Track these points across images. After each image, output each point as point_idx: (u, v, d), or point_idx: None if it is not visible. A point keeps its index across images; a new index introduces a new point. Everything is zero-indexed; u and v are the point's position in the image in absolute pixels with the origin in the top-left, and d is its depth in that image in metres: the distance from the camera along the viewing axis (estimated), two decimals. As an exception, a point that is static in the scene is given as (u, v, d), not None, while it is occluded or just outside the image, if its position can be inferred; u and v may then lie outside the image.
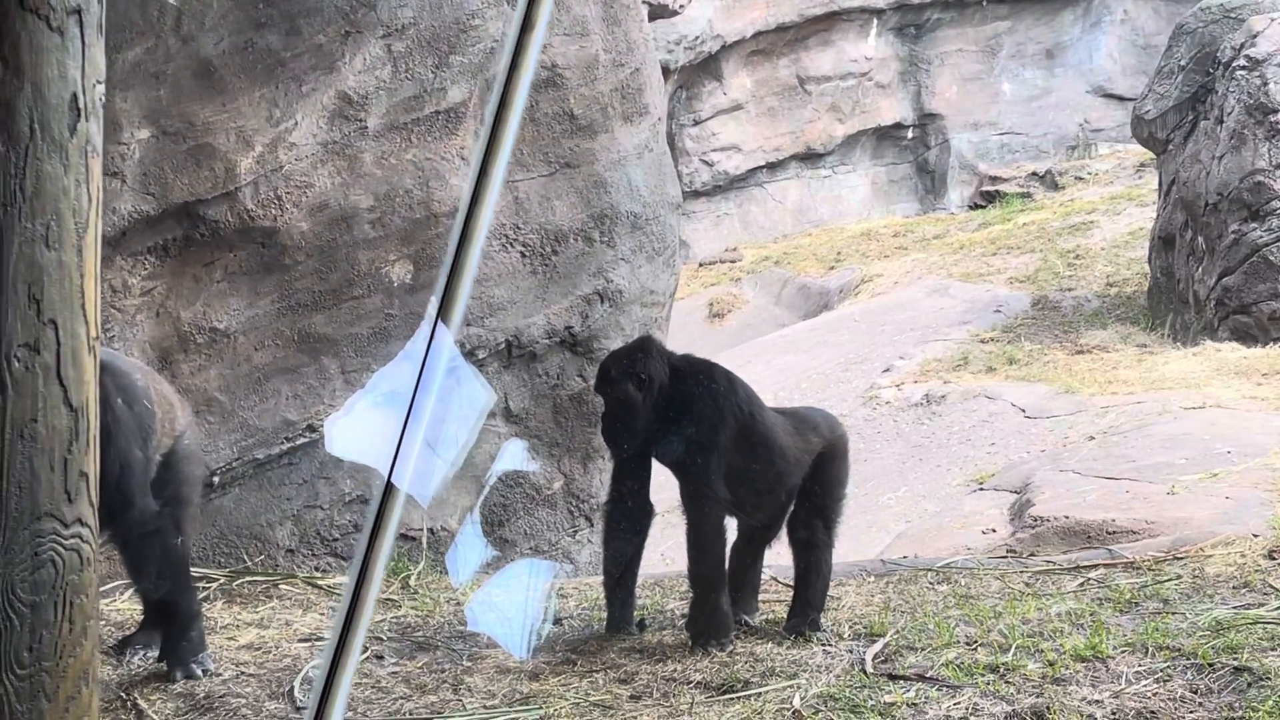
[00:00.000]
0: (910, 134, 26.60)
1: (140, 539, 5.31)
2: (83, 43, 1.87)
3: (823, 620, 5.96)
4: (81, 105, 1.87)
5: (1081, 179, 23.24)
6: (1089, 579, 6.59)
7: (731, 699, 5.14)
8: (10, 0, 1.77)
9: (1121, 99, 25.12)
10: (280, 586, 6.69)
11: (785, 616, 6.08)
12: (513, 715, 4.99)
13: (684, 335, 16.82)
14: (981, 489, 10.20)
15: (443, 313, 2.22)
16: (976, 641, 5.62)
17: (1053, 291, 16.82)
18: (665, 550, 11.06)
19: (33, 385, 1.81)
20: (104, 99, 1.95)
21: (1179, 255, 15.69)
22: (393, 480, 2.20)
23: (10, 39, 1.77)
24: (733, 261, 22.90)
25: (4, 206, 1.77)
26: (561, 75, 8.01)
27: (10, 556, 1.81)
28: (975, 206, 24.02)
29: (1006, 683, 5.13)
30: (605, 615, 6.17)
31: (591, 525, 8.56)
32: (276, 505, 7.28)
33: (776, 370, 15.57)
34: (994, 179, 24.46)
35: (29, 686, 1.84)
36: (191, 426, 5.89)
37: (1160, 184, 16.75)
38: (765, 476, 6.07)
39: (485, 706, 5.10)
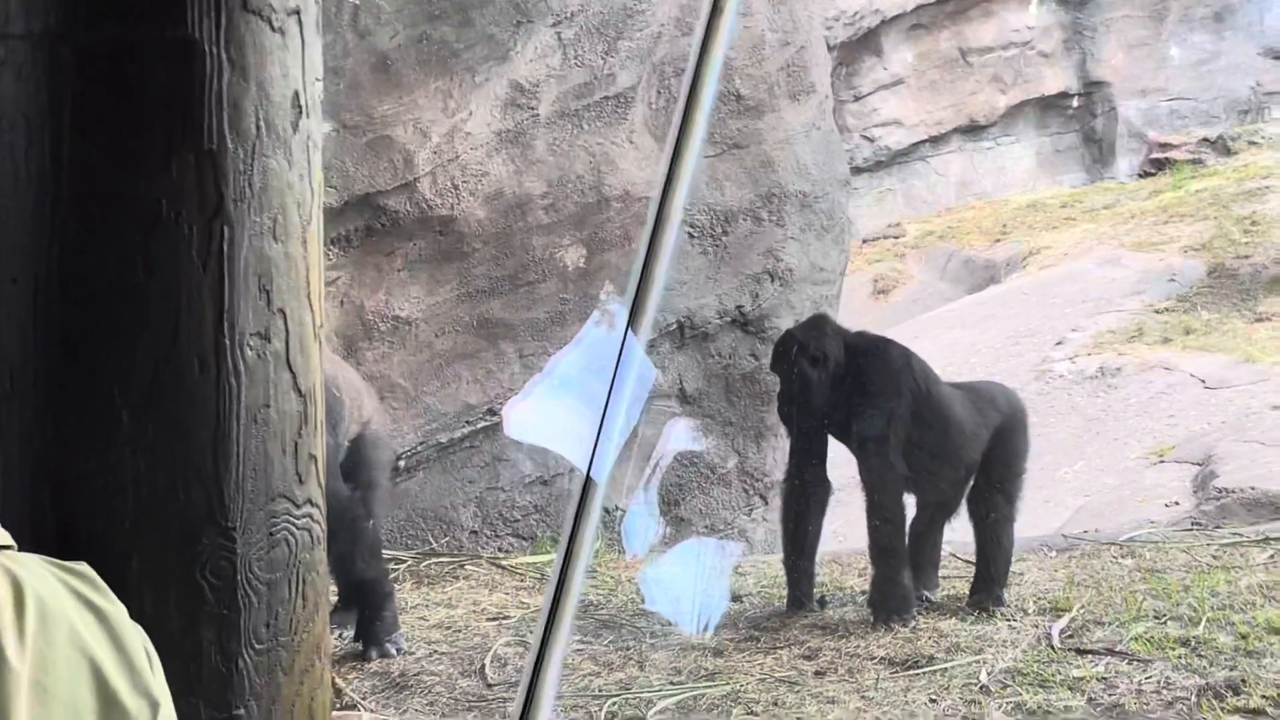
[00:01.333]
0: (1075, 103, 26.04)
1: (333, 523, 5.45)
2: (302, 41, 1.95)
3: (1006, 595, 5.92)
4: (303, 103, 1.94)
5: (1255, 144, 22.57)
6: (1279, 550, 6.46)
7: (917, 674, 5.14)
8: (234, 4, 1.85)
9: (1295, 60, 24.36)
10: (465, 567, 6.82)
11: (968, 592, 6.05)
12: (700, 691, 5.05)
13: (848, 312, 16.67)
14: (1162, 461, 10.00)
15: (632, 321, 2.25)
16: (1165, 615, 5.54)
17: (1229, 259, 16.38)
18: (838, 527, 11.04)
19: (264, 372, 1.89)
20: (322, 96, 2.02)
21: (1361, 218, 15.21)
22: (591, 474, 2.25)
23: (236, 41, 1.86)
24: (896, 237, 22.67)
25: (235, 202, 1.85)
26: (727, 55, 8.03)
27: (247, 537, 1.89)
28: (1145, 175, 23.47)
29: (1198, 656, 5.06)
30: (786, 592, 6.19)
31: (766, 503, 8.58)
32: (459, 488, 7.42)
33: (944, 346, 15.40)
34: (1164, 146, 23.88)
35: (267, 661, 1.92)
36: (378, 412, 6.02)
37: (1339, 145, 16.23)
38: (942, 451, 6.04)
39: (672, 682, 5.16)
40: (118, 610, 1.48)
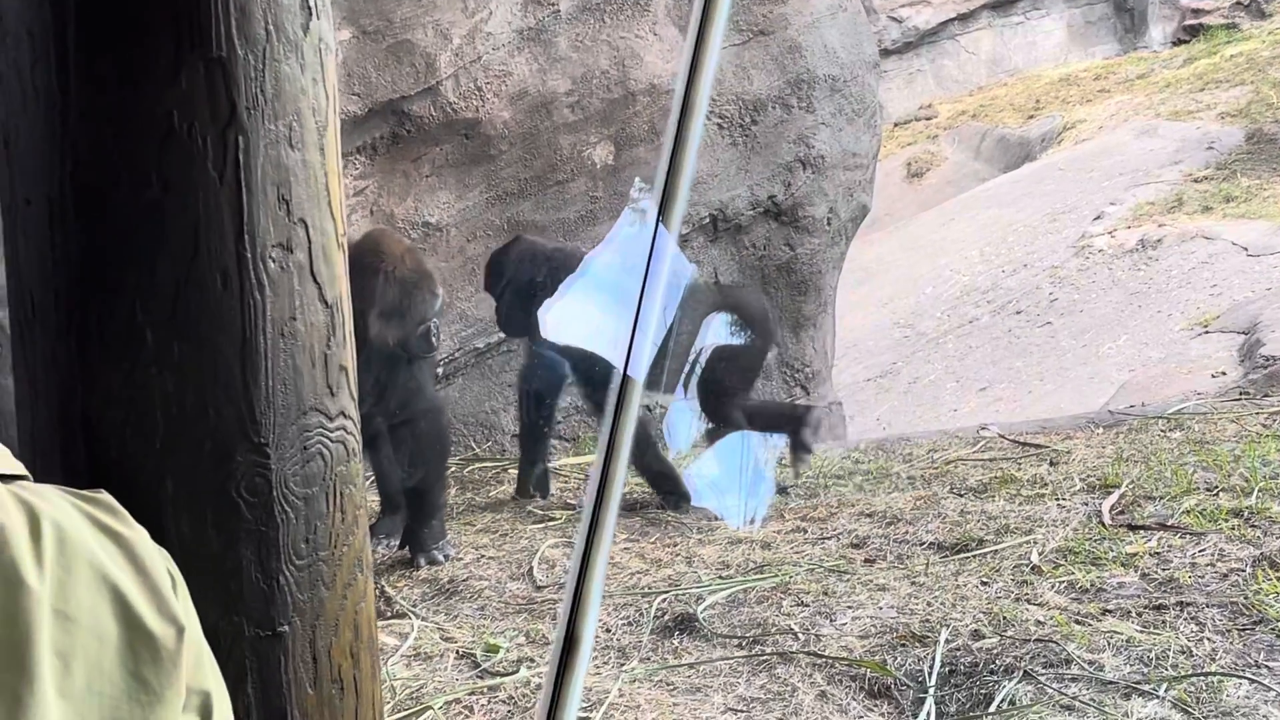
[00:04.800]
0: (1106, -28, 25.59)
1: (429, 419, 5.57)
2: (308, -60, 1.89)
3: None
4: (312, 4, 1.89)
5: (1291, 4, 22.17)
6: (1329, 416, 6.39)
7: (967, 558, 5.11)
8: (236, -95, 1.79)
9: (1330, -84, 23.80)
10: (509, 471, 6.82)
11: (1017, 476, 6.02)
12: (749, 584, 5.03)
13: (883, 197, 16.57)
14: (1207, 332, 9.91)
15: (663, 209, 2.19)
16: (1217, 487, 5.50)
17: (1267, 124, 16.13)
18: (882, 414, 11.02)
19: (289, 284, 1.85)
20: (332, -3, 1.96)
21: (1402, 75, 14.92)
22: (628, 371, 2.21)
23: (239, -57, 1.79)
24: (928, 119, 22.42)
25: (248, 110, 1.80)
26: (749, -60, 7.88)
27: (281, 452, 1.86)
28: (1179, 42, 23.09)
29: (1252, 526, 5.02)
30: (830, 482, 6.21)
31: (807, 394, 8.54)
32: (499, 392, 7.40)
33: (980, 225, 15.27)
34: (1197, 12, 23.47)
35: (308, 576, 1.90)
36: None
37: (1377, 2, 15.90)
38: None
39: (720, 577, 5.15)
40: (139, 535, 1.45)
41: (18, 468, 1.43)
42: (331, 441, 1.93)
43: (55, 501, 1.42)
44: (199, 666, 1.49)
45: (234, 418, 1.83)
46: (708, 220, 7.91)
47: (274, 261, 1.84)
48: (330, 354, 1.92)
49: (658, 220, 2.35)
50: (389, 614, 5.06)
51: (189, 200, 1.80)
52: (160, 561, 1.48)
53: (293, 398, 1.87)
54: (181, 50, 1.79)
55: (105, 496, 1.49)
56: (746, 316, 6.61)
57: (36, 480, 1.47)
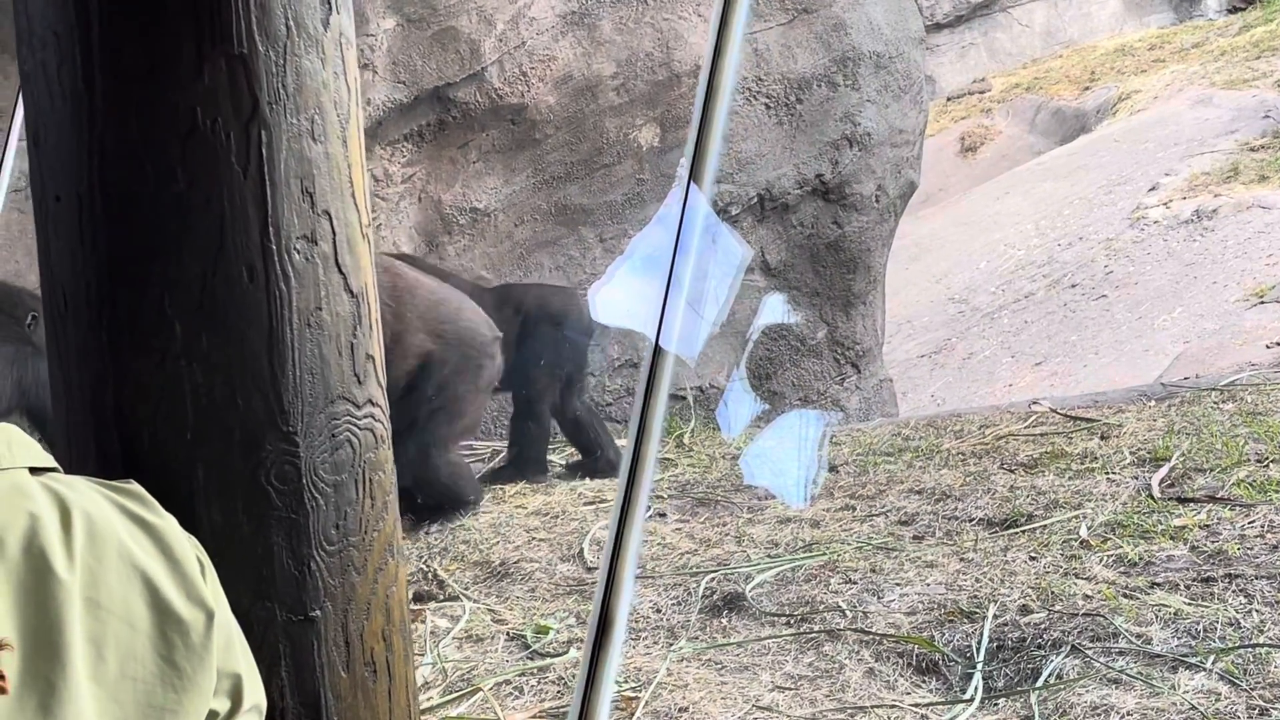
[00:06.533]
0: (1160, -61, 25.29)
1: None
2: (327, -65, 1.92)
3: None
4: (333, -1, 1.92)
5: (1349, -32, 21.83)
6: (1384, 387, 6.33)
7: (1015, 533, 5.11)
8: (254, -100, 1.82)
9: (1389, -123, 23.41)
10: (561, 452, 6.86)
11: (1063, 451, 6.00)
12: (798, 562, 5.05)
13: (937, 172, 16.50)
14: (1262, 303, 9.82)
15: (694, 173, 2.23)
16: (1268, 458, 5.46)
17: (1325, 92, 15.93)
18: (936, 390, 10.99)
19: (314, 275, 1.89)
20: (353, -10, 1.99)
21: None
22: (660, 343, 2.23)
23: (258, -60, 1.82)
24: (981, 93, 22.23)
25: (270, 105, 1.83)
26: (792, -81, 7.87)
27: (309, 440, 1.89)
28: (1235, 10, 22.80)
29: (1303, 498, 4.99)
30: (880, 459, 6.20)
31: (858, 371, 8.54)
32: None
33: (1036, 200, 15.17)
34: (1253, -22, 23.17)
35: (339, 561, 1.93)
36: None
37: None
38: None
39: (769, 556, 5.17)
40: (167, 524, 1.49)
41: (48, 460, 1.47)
42: (359, 429, 1.96)
43: (85, 492, 1.46)
44: (229, 650, 1.52)
45: (262, 407, 1.87)
46: (755, 200, 7.92)
47: (299, 253, 1.88)
48: (357, 343, 1.95)
49: (685, 200, 2.38)
50: (441, 596, 5.11)
51: (214, 194, 1.83)
52: (189, 548, 1.52)
53: (320, 387, 1.91)
54: (203, 47, 1.82)
55: (134, 486, 1.53)
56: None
57: (71, 471, 1.51)
